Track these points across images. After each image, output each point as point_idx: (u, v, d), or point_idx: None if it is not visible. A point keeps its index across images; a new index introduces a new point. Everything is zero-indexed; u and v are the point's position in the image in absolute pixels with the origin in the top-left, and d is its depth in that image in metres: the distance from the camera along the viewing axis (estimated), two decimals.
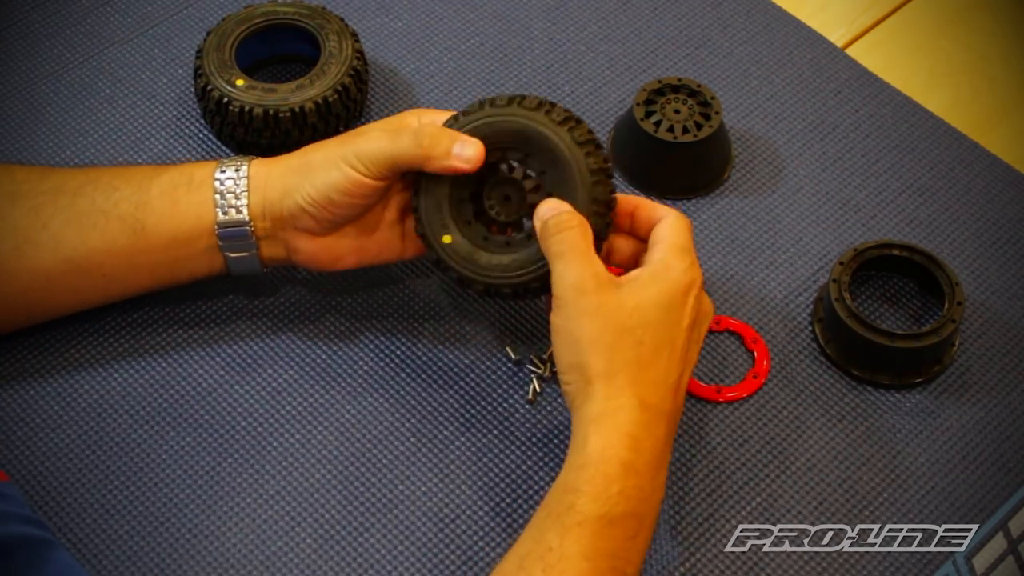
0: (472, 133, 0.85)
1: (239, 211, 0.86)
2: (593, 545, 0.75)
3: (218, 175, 0.87)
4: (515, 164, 0.87)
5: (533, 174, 0.87)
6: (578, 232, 0.81)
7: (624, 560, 0.76)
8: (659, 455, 0.79)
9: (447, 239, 0.86)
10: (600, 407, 0.78)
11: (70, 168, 0.90)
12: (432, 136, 0.84)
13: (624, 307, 0.79)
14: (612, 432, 0.77)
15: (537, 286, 0.85)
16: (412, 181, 0.88)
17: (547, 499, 0.78)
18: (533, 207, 0.85)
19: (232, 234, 0.87)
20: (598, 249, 0.83)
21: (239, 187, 0.87)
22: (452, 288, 0.97)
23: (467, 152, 0.84)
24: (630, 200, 0.87)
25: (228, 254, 0.88)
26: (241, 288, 0.96)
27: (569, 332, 0.80)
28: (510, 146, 0.86)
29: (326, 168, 0.85)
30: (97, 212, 0.86)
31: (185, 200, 0.87)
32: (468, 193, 0.87)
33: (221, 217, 0.86)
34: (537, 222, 0.83)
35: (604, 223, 0.84)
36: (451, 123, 0.87)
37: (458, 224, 0.87)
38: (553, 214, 0.82)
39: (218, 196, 0.86)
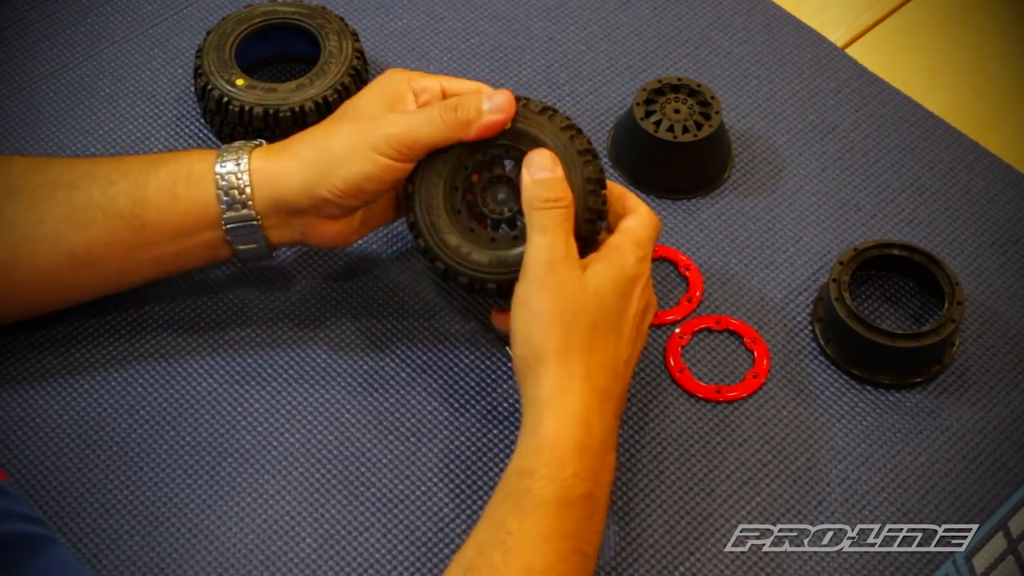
0: None
1: (245, 206, 0.85)
2: (552, 526, 0.75)
3: (218, 169, 0.86)
4: (510, 164, 0.87)
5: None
6: (567, 213, 0.82)
7: (583, 540, 0.77)
8: (608, 436, 0.80)
9: (439, 229, 0.86)
10: (552, 387, 0.79)
11: (67, 159, 0.89)
12: (464, 107, 0.84)
13: (585, 289, 0.80)
14: (565, 414, 0.78)
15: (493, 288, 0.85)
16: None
17: (502, 483, 0.78)
18: None
19: (240, 229, 0.86)
20: (583, 255, 0.84)
21: (242, 181, 0.85)
22: (450, 288, 0.97)
23: (496, 101, 0.84)
24: (613, 189, 0.87)
25: (237, 247, 0.88)
26: (241, 289, 0.96)
27: (529, 304, 0.80)
28: (510, 146, 0.86)
29: (352, 158, 0.84)
30: (94, 208, 0.85)
31: (186, 196, 0.86)
32: (462, 187, 0.87)
33: (228, 214, 0.86)
34: (526, 174, 0.83)
35: (593, 231, 0.84)
36: None
37: (449, 215, 0.86)
38: (544, 176, 0.82)
39: (221, 192, 0.85)
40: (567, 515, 0.76)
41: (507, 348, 0.94)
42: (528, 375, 0.80)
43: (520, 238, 0.85)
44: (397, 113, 0.86)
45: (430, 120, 0.84)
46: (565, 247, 0.81)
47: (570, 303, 0.80)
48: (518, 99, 0.86)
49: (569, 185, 0.83)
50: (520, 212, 0.85)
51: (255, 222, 0.86)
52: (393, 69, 0.91)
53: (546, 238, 0.81)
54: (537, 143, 0.85)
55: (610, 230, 0.86)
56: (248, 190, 0.85)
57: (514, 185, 0.86)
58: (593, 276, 0.81)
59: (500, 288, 0.85)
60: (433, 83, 0.89)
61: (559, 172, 0.83)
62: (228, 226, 0.86)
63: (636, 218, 0.85)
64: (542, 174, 0.82)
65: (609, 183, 0.87)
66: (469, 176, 0.87)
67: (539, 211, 0.81)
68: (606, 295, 0.81)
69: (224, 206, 0.86)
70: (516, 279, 0.83)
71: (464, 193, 0.87)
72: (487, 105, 0.84)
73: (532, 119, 0.85)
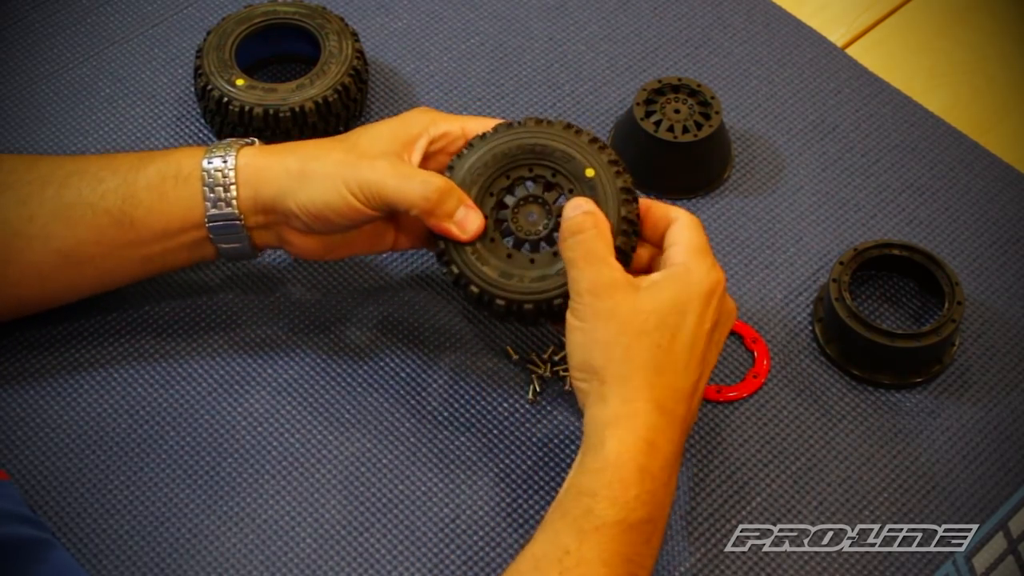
0: (503, 149, 0.86)
1: (228, 204, 0.85)
2: (611, 550, 0.74)
3: (205, 165, 0.86)
4: (536, 182, 0.87)
5: (563, 192, 0.86)
6: (594, 235, 0.81)
7: (638, 564, 0.76)
8: (673, 459, 0.78)
9: (480, 257, 0.85)
10: (616, 410, 0.77)
11: (58, 157, 0.89)
12: (441, 193, 0.83)
13: (641, 310, 0.79)
14: (628, 435, 0.77)
15: (560, 303, 0.83)
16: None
17: (561, 500, 0.77)
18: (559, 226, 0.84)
19: (223, 227, 0.86)
20: (625, 266, 0.82)
21: (227, 179, 0.85)
22: (451, 288, 0.97)
23: (469, 223, 0.84)
24: (640, 203, 0.86)
25: (220, 245, 0.88)
26: (241, 289, 0.97)
27: (584, 333, 0.79)
28: (537, 164, 0.86)
29: (324, 186, 0.84)
30: (84, 205, 0.85)
31: (173, 194, 0.86)
32: (495, 208, 0.86)
33: (211, 211, 0.86)
34: (563, 221, 0.83)
35: (631, 244, 0.84)
36: (477, 142, 0.86)
37: (482, 243, 0.85)
38: (574, 214, 0.82)
39: (207, 189, 0.85)
40: (627, 539, 0.75)
41: (507, 348, 0.94)
42: (591, 396, 0.79)
43: (556, 255, 0.85)
44: (388, 161, 0.85)
45: (404, 188, 0.83)
46: (607, 272, 0.80)
47: (626, 327, 0.78)
48: (570, 126, 0.86)
49: (603, 198, 0.83)
50: (556, 227, 0.85)
51: (238, 221, 0.86)
52: (421, 109, 0.90)
53: (580, 266, 0.80)
54: (567, 159, 0.85)
55: (656, 245, 0.85)
56: (233, 188, 0.85)
57: (542, 202, 0.86)
58: (651, 296, 0.79)
59: (538, 308, 0.84)
60: (455, 127, 0.88)
61: (588, 205, 0.83)
62: (211, 224, 0.86)
63: (682, 226, 0.84)
64: (575, 211, 0.82)
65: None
66: (497, 204, 0.86)
67: (568, 240, 0.81)
68: (668, 315, 0.79)
69: (209, 203, 0.85)
70: (556, 297, 0.83)
71: (496, 221, 0.86)
72: (460, 215, 0.84)
73: (559, 136, 0.85)
